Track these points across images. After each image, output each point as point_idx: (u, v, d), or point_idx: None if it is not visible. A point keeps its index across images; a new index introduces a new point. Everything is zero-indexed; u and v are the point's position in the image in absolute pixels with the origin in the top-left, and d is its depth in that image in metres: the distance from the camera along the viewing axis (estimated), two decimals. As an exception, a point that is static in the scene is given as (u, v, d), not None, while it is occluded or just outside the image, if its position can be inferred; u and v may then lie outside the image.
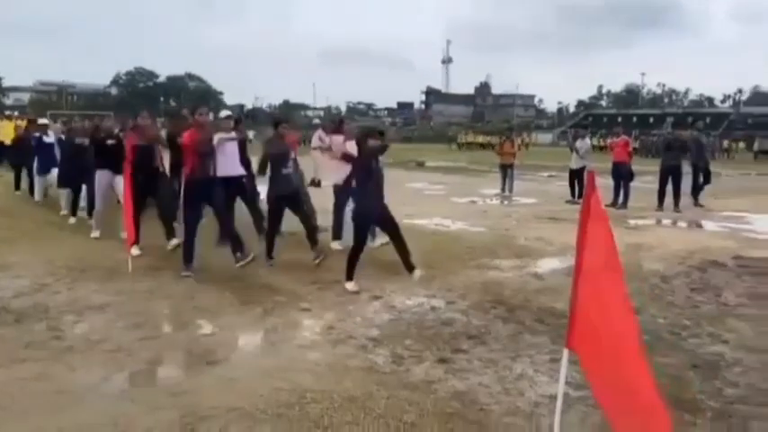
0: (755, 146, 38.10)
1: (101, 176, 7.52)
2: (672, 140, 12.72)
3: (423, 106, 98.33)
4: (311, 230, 6.37)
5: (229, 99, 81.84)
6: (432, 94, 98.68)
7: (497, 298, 5.25)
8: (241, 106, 75.85)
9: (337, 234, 7.18)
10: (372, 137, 5.52)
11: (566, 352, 2.37)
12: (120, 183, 6.86)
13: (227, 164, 6.59)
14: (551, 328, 4.41)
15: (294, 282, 5.61)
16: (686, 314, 4.89)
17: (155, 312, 4.89)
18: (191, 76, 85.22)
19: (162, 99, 79.55)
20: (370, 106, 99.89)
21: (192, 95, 75.37)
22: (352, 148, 6.09)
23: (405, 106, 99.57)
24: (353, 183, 5.85)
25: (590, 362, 2.28)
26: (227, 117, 6.99)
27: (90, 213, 8.36)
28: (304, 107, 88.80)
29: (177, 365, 3.92)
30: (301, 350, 4.08)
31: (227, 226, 6.29)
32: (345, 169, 6.40)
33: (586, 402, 3.16)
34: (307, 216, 6.61)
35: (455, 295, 5.38)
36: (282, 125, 6.61)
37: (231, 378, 3.59)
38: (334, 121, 8.48)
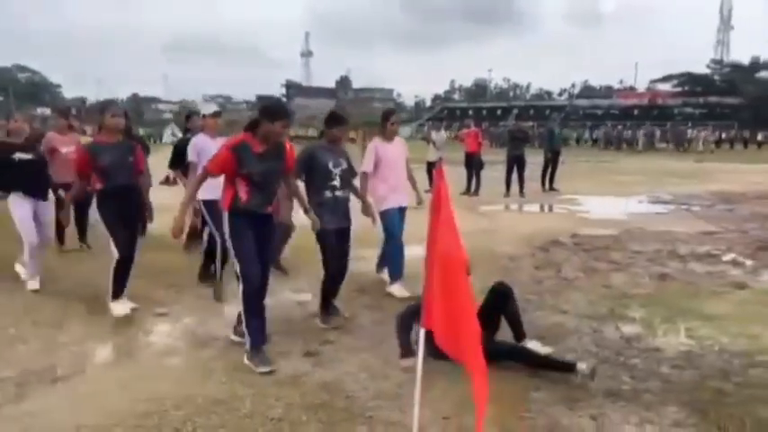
0: (594, 135, 44.38)
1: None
2: (516, 131, 13.79)
3: (284, 99, 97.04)
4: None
5: (68, 92, 74.72)
6: (292, 88, 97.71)
7: (361, 287, 5.37)
8: (83, 100, 69.56)
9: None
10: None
11: (422, 332, 2.50)
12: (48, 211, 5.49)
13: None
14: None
15: (148, 286, 5.28)
16: (531, 290, 5.35)
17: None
18: (20, 68, 76.62)
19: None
20: (228, 99, 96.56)
21: (23, 89, 67.80)
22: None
23: (264, 99, 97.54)
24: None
25: (444, 339, 2.42)
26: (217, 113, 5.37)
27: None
28: (155, 100, 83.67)
29: (16, 387, 3.52)
30: (160, 357, 3.88)
31: None
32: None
33: (448, 378, 3.34)
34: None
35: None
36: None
37: (81, 394, 3.32)
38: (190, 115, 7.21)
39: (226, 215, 3.69)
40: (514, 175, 12.65)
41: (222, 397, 3.25)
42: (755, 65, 63.00)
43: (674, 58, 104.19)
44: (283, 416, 3.05)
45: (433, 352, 2.95)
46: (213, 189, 4.16)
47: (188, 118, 7.08)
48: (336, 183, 4.42)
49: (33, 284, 5.29)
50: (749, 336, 4.24)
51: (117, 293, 4.65)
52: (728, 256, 6.81)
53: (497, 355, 3.50)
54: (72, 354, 3.91)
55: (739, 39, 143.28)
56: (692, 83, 65.27)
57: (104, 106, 4.86)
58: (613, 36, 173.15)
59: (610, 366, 3.70)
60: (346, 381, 3.49)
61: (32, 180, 5.33)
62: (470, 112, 60.46)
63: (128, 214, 4.60)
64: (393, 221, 5.21)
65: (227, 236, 3.71)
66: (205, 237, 5.42)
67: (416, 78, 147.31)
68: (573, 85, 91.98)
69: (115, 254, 4.53)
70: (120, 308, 4.61)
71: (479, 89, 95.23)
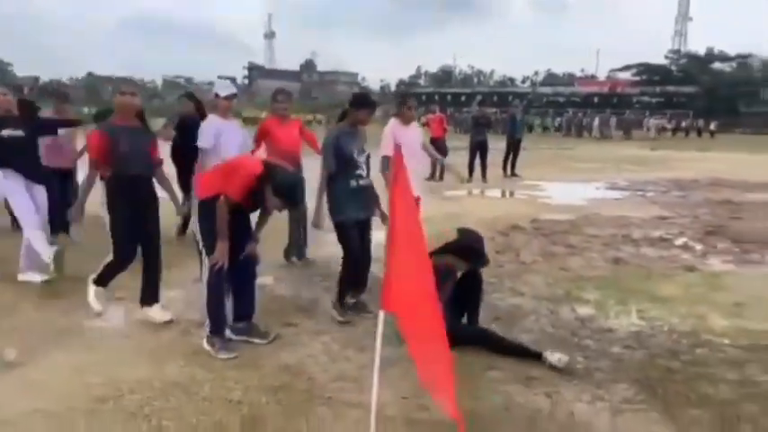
0: (556, 122, 45.31)
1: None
2: (479, 117, 13.93)
3: (246, 81, 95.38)
4: None
5: (20, 70, 71.74)
6: (255, 70, 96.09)
7: (325, 271, 5.37)
8: (35, 78, 66.94)
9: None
10: None
11: (381, 313, 2.52)
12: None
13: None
14: (375, 296, 4.62)
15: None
16: (492, 273, 5.44)
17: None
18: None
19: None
20: (189, 80, 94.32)
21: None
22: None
23: (225, 80, 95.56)
24: None
25: (404, 320, 2.45)
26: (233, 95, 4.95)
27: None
28: (112, 80, 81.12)
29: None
30: (117, 341, 3.81)
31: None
32: None
33: (409, 359, 3.38)
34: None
35: (283, 272, 5.40)
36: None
37: (34, 379, 3.24)
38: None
39: None
40: (477, 161, 12.79)
41: (180, 380, 3.23)
42: (710, 56, 64.89)
43: (635, 48, 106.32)
44: (243, 398, 3.05)
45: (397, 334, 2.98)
46: None
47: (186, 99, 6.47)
48: (362, 171, 4.23)
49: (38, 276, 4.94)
50: (696, 316, 4.42)
51: (102, 281, 4.20)
52: (680, 241, 7.06)
53: (465, 341, 3.56)
54: (25, 339, 3.81)
55: (697, 30, 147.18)
56: (649, 72, 66.82)
57: (118, 85, 4.36)
58: (577, 24, 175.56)
59: (565, 347, 3.81)
60: (308, 363, 3.50)
61: (23, 159, 4.88)
62: (435, 98, 60.62)
63: (141, 211, 4.02)
64: None
65: None
66: None
67: (382, 63, 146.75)
68: (536, 73, 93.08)
69: (110, 256, 4.08)
70: (97, 303, 4.20)
71: (445, 75, 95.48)
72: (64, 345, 3.79)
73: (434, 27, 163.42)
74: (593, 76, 79.66)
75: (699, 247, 6.80)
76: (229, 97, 4.85)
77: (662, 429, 2.87)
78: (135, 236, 4.05)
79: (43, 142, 5.47)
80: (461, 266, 3.92)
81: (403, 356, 3.40)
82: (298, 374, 3.35)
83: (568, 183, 13.07)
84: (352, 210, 4.18)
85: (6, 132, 4.81)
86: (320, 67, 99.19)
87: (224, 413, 2.90)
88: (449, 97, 69.85)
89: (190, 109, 6.14)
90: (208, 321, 3.67)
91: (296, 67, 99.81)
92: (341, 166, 4.17)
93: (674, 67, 67.30)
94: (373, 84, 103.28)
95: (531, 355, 3.55)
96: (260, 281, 5.03)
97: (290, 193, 3.63)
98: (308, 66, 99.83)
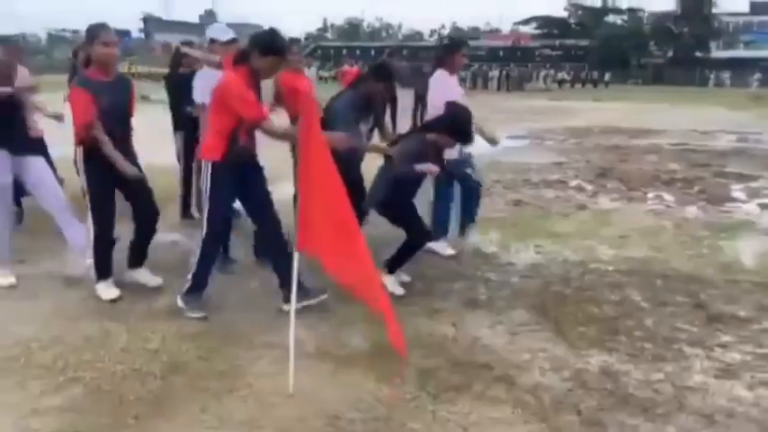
0: (462, 74, 45.91)
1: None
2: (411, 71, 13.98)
3: (142, 35, 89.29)
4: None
5: None
6: (151, 22, 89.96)
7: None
8: None
9: None
10: None
11: (296, 254, 2.63)
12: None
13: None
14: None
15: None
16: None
17: None
18: None
19: None
20: (75, 32, 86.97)
21: None
22: None
23: (121, 34, 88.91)
24: None
25: (323, 255, 2.57)
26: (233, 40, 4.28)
27: None
28: (-12, 34, 73.32)
29: None
30: (23, 302, 3.68)
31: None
32: None
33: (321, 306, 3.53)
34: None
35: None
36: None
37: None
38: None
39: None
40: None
41: (94, 334, 3.21)
42: (605, 8, 67.89)
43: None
44: (160, 347, 3.09)
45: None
46: None
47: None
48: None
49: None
50: (587, 248, 4.87)
51: (103, 273, 3.74)
52: (574, 183, 7.61)
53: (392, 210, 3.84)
54: None
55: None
56: (549, 26, 69.05)
57: (94, 32, 3.51)
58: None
59: (469, 281, 4.10)
60: (225, 310, 3.57)
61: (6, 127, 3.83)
62: (344, 52, 59.77)
63: (124, 176, 3.50)
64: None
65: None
66: None
67: (285, 15, 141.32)
68: (443, 26, 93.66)
69: (92, 231, 3.66)
70: (108, 291, 3.72)
71: (352, 28, 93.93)
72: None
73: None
74: (497, 30, 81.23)
75: (590, 187, 7.38)
76: (229, 42, 4.20)
77: (553, 345, 3.21)
78: (114, 207, 3.71)
79: None
80: (449, 144, 3.91)
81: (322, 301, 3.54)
82: (215, 323, 3.41)
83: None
84: None
85: None
86: (221, 18, 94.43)
87: (143, 362, 2.93)
88: (358, 51, 69.04)
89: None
90: (190, 278, 3.50)
91: (195, 19, 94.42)
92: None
93: (572, 20, 69.90)
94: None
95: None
96: (170, 238, 4.99)
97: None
98: (209, 16, 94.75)
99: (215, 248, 3.63)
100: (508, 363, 2.99)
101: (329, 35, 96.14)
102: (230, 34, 4.29)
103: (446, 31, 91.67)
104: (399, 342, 2.37)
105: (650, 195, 6.97)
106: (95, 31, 3.51)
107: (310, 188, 2.57)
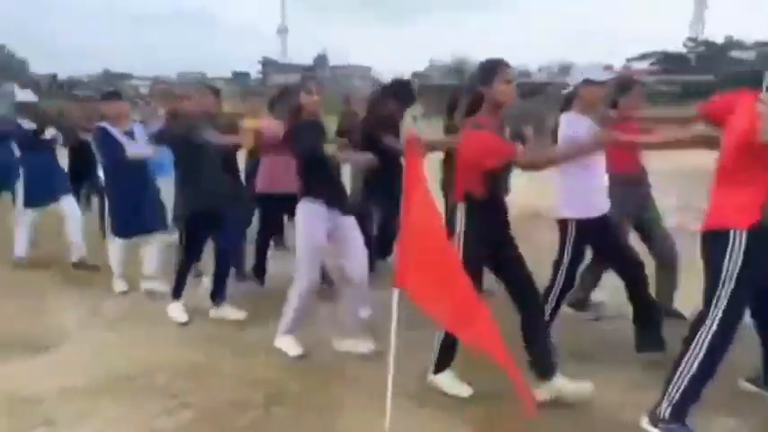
0: None
1: None
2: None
3: (260, 76, 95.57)
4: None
5: (37, 67, 72.29)
6: (269, 65, 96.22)
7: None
8: (53, 75, 67.68)
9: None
10: None
11: (396, 291, 2.61)
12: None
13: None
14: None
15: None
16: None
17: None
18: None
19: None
20: (203, 75, 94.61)
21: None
22: None
23: (240, 76, 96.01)
24: None
25: (420, 293, 2.54)
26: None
27: None
28: (128, 77, 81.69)
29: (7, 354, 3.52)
30: (139, 326, 3.94)
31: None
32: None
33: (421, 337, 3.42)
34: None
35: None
36: None
37: (59, 360, 3.42)
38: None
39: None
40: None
41: (201, 361, 3.36)
42: (729, 44, 63.88)
43: (651, 34, 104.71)
44: (263, 377, 3.16)
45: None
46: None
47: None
48: None
49: None
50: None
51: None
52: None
53: None
54: (53, 322, 3.97)
55: (714, 17, 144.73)
56: (667, 61, 65.90)
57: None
58: (593, 10, 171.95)
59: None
60: (325, 343, 3.59)
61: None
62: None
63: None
64: None
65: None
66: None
67: (392, 55, 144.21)
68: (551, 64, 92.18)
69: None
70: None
71: (459, 66, 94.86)
72: (86, 328, 3.94)
73: (447, 13, 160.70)
74: (609, 66, 78.63)
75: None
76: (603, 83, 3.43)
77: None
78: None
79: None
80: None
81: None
82: (316, 354, 3.45)
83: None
84: None
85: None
86: (331, 61, 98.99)
87: (247, 392, 3.01)
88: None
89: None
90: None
91: (308, 61, 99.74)
92: None
93: (692, 56, 66.36)
94: (386, 77, 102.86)
95: None
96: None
97: None
98: (321, 60, 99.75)
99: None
100: None
101: (437, 74, 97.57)
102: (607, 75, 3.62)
103: (554, 68, 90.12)
104: (528, 398, 2.34)
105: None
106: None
107: (409, 228, 2.59)
